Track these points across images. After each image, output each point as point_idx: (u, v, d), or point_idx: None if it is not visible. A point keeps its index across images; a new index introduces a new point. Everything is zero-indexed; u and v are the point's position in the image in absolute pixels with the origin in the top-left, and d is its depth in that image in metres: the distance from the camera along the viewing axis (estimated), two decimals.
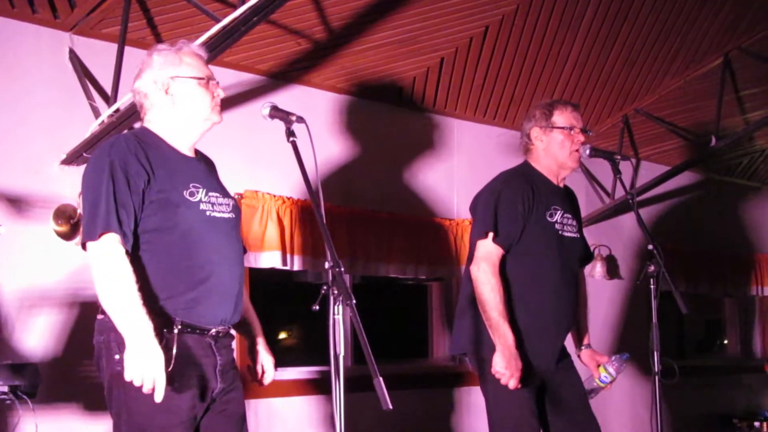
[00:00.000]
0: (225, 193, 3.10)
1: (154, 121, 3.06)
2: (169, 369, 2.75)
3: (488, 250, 3.88)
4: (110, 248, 2.78)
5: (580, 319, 4.28)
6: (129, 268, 2.77)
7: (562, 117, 4.05)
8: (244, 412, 3.09)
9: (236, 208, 3.13)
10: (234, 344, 3.15)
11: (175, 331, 2.85)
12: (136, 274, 2.79)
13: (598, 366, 4.15)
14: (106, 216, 2.78)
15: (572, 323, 4.12)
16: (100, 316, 2.91)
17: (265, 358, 3.32)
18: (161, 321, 2.82)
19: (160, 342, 2.76)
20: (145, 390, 2.66)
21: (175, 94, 3.02)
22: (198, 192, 2.95)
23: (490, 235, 3.88)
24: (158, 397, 2.66)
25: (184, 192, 2.93)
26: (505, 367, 3.73)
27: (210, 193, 3.00)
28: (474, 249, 3.96)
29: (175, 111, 3.03)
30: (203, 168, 3.11)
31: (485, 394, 3.97)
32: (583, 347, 4.26)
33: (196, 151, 3.16)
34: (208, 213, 2.96)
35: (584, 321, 4.31)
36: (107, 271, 2.76)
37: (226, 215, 3.04)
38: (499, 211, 3.91)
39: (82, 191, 2.92)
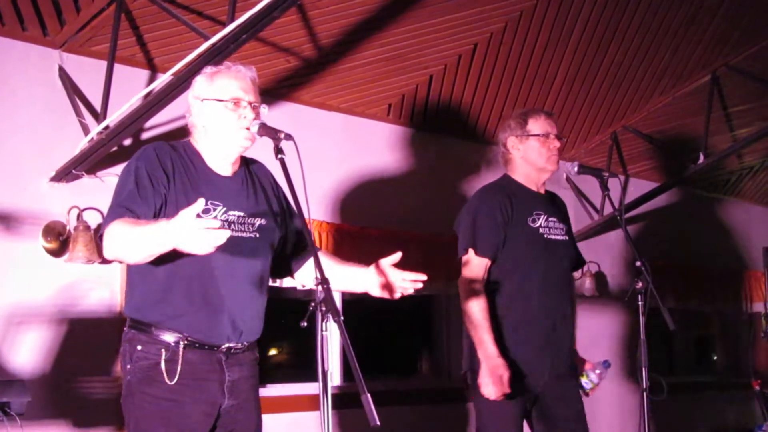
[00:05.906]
0: (255, 213, 3.06)
1: (194, 138, 3.09)
2: (173, 382, 2.84)
3: (471, 265, 3.96)
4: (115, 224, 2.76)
5: None
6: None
7: (536, 125, 4.09)
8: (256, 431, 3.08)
9: (264, 229, 3.08)
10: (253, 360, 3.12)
11: (181, 346, 2.88)
12: (147, 289, 2.89)
13: (581, 372, 4.16)
14: (119, 211, 2.78)
15: (569, 326, 4.12)
16: (125, 328, 2.97)
17: (391, 273, 3.13)
18: (166, 337, 2.88)
19: (164, 356, 2.85)
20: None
21: (205, 117, 3.03)
22: (214, 210, 2.94)
23: (471, 251, 3.96)
24: (213, 223, 2.47)
25: None
26: (486, 376, 3.77)
27: (230, 212, 2.98)
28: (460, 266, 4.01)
29: (206, 133, 3.05)
30: (238, 187, 3.08)
31: (474, 404, 4.01)
32: None
33: (242, 168, 3.14)
34: None
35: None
36: (113, 234, 2.73)
37: (246, 234, 3.01)
38: (477, 225, 3.98)
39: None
